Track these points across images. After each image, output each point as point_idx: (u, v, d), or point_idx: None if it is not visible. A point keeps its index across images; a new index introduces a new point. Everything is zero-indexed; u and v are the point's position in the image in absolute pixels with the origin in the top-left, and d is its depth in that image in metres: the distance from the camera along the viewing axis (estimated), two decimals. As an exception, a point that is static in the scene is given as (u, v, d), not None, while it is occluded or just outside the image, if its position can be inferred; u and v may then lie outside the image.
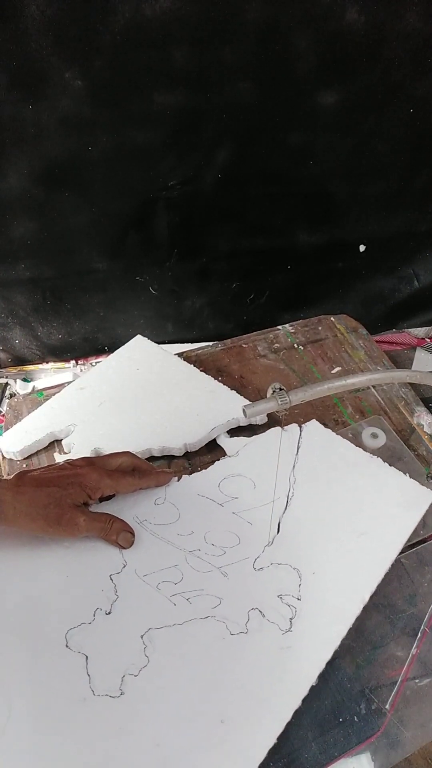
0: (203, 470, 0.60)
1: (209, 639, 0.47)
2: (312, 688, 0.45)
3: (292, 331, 0.83)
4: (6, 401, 1.17)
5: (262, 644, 0.47)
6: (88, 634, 0.46)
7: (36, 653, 0.45)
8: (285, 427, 0.64)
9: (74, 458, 0.55)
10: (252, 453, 0.62)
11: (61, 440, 0.66)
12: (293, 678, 0.45)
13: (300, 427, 0.64)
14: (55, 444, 0.66)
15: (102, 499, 0.56)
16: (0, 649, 0.45)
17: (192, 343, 1.22)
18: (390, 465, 0.61)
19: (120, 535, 0.52)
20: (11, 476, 0.52)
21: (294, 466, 0.60)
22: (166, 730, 0.42)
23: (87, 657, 0.45)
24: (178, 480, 0.59)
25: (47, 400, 0.69)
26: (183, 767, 0.41)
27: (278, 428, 0.64)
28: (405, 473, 0.60)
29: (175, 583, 0.50)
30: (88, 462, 0.54)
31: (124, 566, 0.51)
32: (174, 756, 0.41)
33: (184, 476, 0.59)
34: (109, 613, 0.48)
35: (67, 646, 0.45)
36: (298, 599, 0.50)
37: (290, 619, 0.48)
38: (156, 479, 0.57)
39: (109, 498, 0.56)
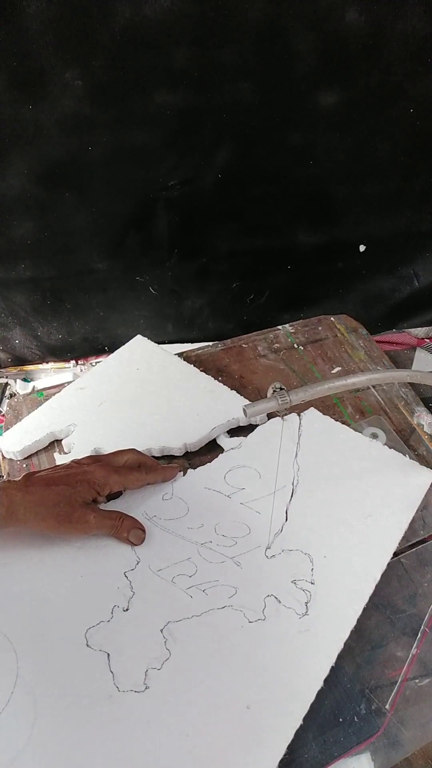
0: (208, 464, 0.61)
1: (228, 628, 0.47)
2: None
3: (292, 331, 0.83)
4: (6, 401, 1.17)
5: (280, 629, 0.48)
6: (107, 632, 0.46)
7: (57, 654, 0.45)
8: (284, 417, 0.65)
9: (80, 457, 0.56)
10: (254, 444, 0.63)
11: (61, 440, 0.66)
12: (314, 660, 0.46)
13: (299, 415, 0.66)
14: (55, 444, 0.66)
15: (110, 498, 0.56)
16: (21, 652, 0.45)
17: (192, 343, 1.22)
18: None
19: (131, 532, 0.52)
20: (19, 478, 0.52)
21: (296, 454, 0.61)
22: (193, 720, 0.42)
23: (108, 654, 0.45)
24: (184, 475, 0.60)
25: (47, 400, 0.69)
26: (212, 755, 0.41)
27: (278, 418, 0.65)
28: (405, 455, 0.61)
29: (190, 576, 0.50)
30: (94, 460, 0.54)
31: (138, 562, 0.51)
32: (202, 745, 0.41)
33: (189, 471, 0.60)
34: (127, 609, 0.48)
35: (87, 645, 0.45)
36: (312, 583, 0.51)
37: (306, 603, 0.49)
38: (162, 474, 0.58)
39: (117, 496, 0.57)
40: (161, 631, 0.47)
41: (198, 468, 0.61)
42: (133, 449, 0.58)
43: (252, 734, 0.42)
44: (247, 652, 0.46)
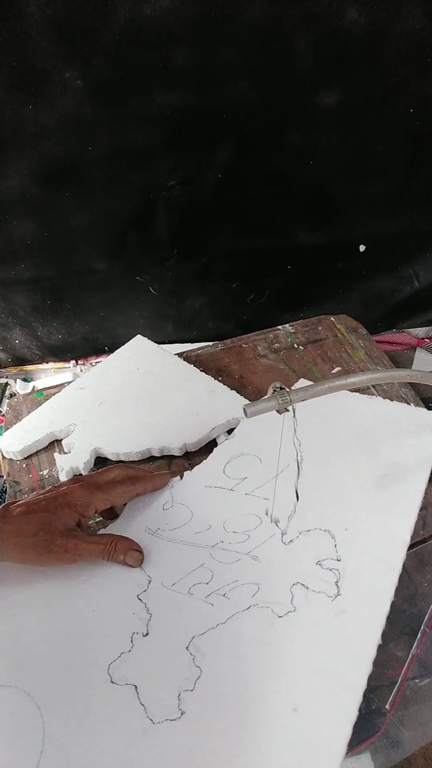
0: (204, 461, 0.58)
1: (258, 628, 0.44)
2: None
3: (292, 331, 0.83)
4: (6, 401, 1.17)
5: (314, 617, 0.44)
6: (131, 663, 0.43)
7: (82, 699, 0.42)
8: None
9: (62, 481, 0.53)
10: (248, 430, 0.60)
11: (61, 440, 0.66)
12: (357, 642, 0.43)
13: (289, 389, 0.65)
14: (55, 444, 0.66)
15: (107, 518, 0.54)
16: (44, 706, 0.41)
17: (192, 343, 1.22)
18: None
19: (128, 554, 0.49)
20: None
21: (295, 429, 0.57)
22: (238, 738, 0.39)
23: (136, 687, 0.42)
24: (181, 479, 0.57)
25: (47, 400, 0.69)
26: None
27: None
28: (410, 402, 0.56)
29: (207, 583, 0.47)
30: (74, 480, 0.51)
31: (150, 581, 0.48)
32: (253, 764, 0.38)
33: (186, 473, 0.57)
34: (147, 634, 0.45)
35: (112, 681, 0.42)
36: (338, 560, 0.48)
37: (335, 582, 0.46)
38: (152, 482, 0.55)
39: (114, 518, 0.54)
40: (187, 648, 0.43)
41: (194, 468, 0.58)
42: (120, 465, 0.55)
43: (305, 739, 0.38)
44: (282, 649, 0.43)
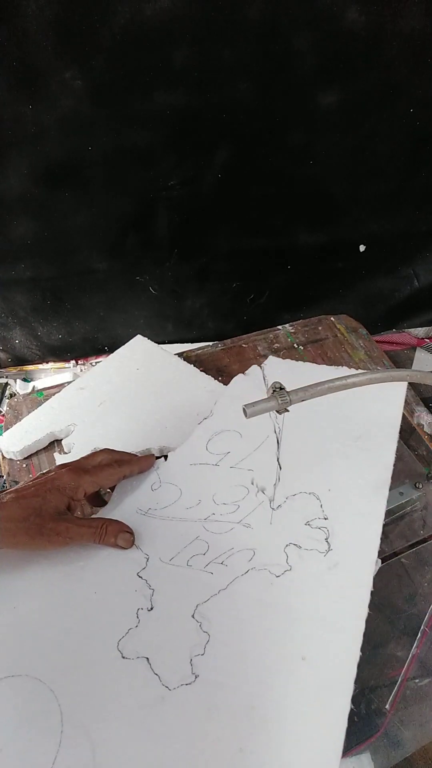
0: (186, 440, 0.60)
1: (258, 590, 0.46)
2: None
3: (292, 331, 0.83)
4: (6, 401, 1.17)
5: (310, 572, 0.47)
6: (139, 637, 0.44)
7: (96, 677, 0.43)
8: (246, 372, 0.67)
9: (50, 468, 0.53)
10: (225, 407, 0.63)
11: (61, 440, 0.66)
12: (352, 591, 0.46)
13: (261, 366, 0.67)
14: (55, 444, 0.66)
15: (96, 504, 0.55)
16: (58, 689, 0.42)
17: (192, 343, 1.22)
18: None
19: (118, 536, 0.50)
20: None
21: None
22: (255, 694, 0.41)
23: (148, 659, 0.43)
24: (166, 460, 0.58)
25: (47, 400, 0.69)
26: (283, 718, 0.40)
27: (241, 374, 0.65)
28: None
29: (204, 554, 0.49)
30: (62, 466, 0.52)
31: (148, 559, 0.50)
32: (271, 712, 0.40)
33: (170, 453, 0.59)
34: (151, 609, 0.46)
35: (123, 657, 0.43)
36: (326, 518, 0.51)
37: (326, 539, 0.49)
38: (138, 465, 0.56)
39: (103, 503, 0.55)
40: (192, 616, 0.45)
41: (178, 448, 0.59)
42: (106, 449, 0.55)
43: (316, 683, 0.41)
44: (284, 606, 0.45)
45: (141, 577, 0.48)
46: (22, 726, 0.40)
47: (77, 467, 0.51)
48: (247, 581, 0.47)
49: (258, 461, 0.56)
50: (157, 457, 0.58)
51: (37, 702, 0.41)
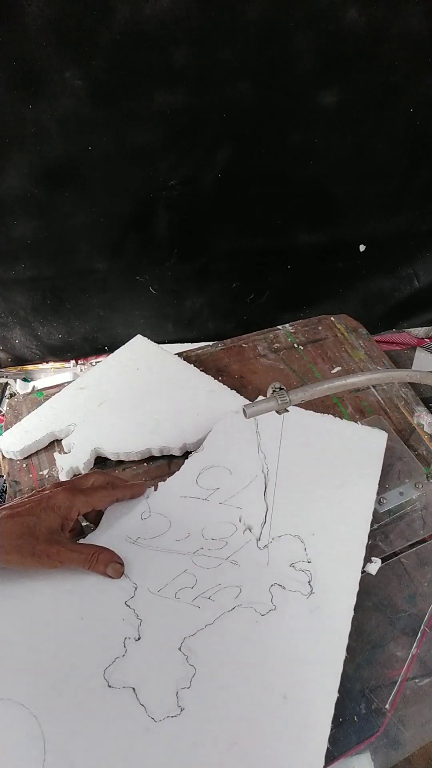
0: (176, 472, 0.60)
1: (243, 626, 0.48)
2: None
3: (292, 331, 0.83)
4: (6, 401, 1.17)
5: (292, 614, 0.48)
6: (126, 667, 0.44)
7: (81, 705, 0.42)
8: (236, 410, 0.67)
9: (44, 486, 0.53)
10: (216, 442, 0.63)
11: (61, 440, 0.66)
12: (330, 635, 0.47)
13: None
14: (55, 444, 0.66)
15: (87, 526, 0.55)
16: (42, 716, 0.41)
17: (192, 343, 1.22)
18: (390, 465, 0.62)
19: (109, 566, 0.49)
20: None
21: (259, 445, 0.62)
22: (237, 727, 0.42)
23: (134, 689, 0.43)
24: (155, 489, 0.58)
25: (47, 400, 0.69)
26: (263, 755, 0.41)
27: (232, 413, 0.66)
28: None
29: (192, 587, 0.50)
30: (56, 484, 0.52)
31: (136, 588, 0.49)
32: (252, 748, 0.41)
33: (159, 484, 0.59)
34: (139, 638, 0.46)
35: (109, 686, 0.43)
36: (309, 562, 0.52)
37: (308, 582, 0.50)
38: (131, 490, 0.56)
39: (95, 525, 0.55)
40: (179, 649, 0.46)
41: (168, 479, 0.60)
42: (98, 471, 0.56)
43: (296, 721, 0.42)
44: (268, 644, 0.46)
45: (129, 606, 0.48)
46: (3, 752, 0.40)
47: (72, 487, 0.51)
48: (234, 618, 0.48)
49: (246, 500, 0.57)
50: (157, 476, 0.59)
51: (20, 728, 0.41)
